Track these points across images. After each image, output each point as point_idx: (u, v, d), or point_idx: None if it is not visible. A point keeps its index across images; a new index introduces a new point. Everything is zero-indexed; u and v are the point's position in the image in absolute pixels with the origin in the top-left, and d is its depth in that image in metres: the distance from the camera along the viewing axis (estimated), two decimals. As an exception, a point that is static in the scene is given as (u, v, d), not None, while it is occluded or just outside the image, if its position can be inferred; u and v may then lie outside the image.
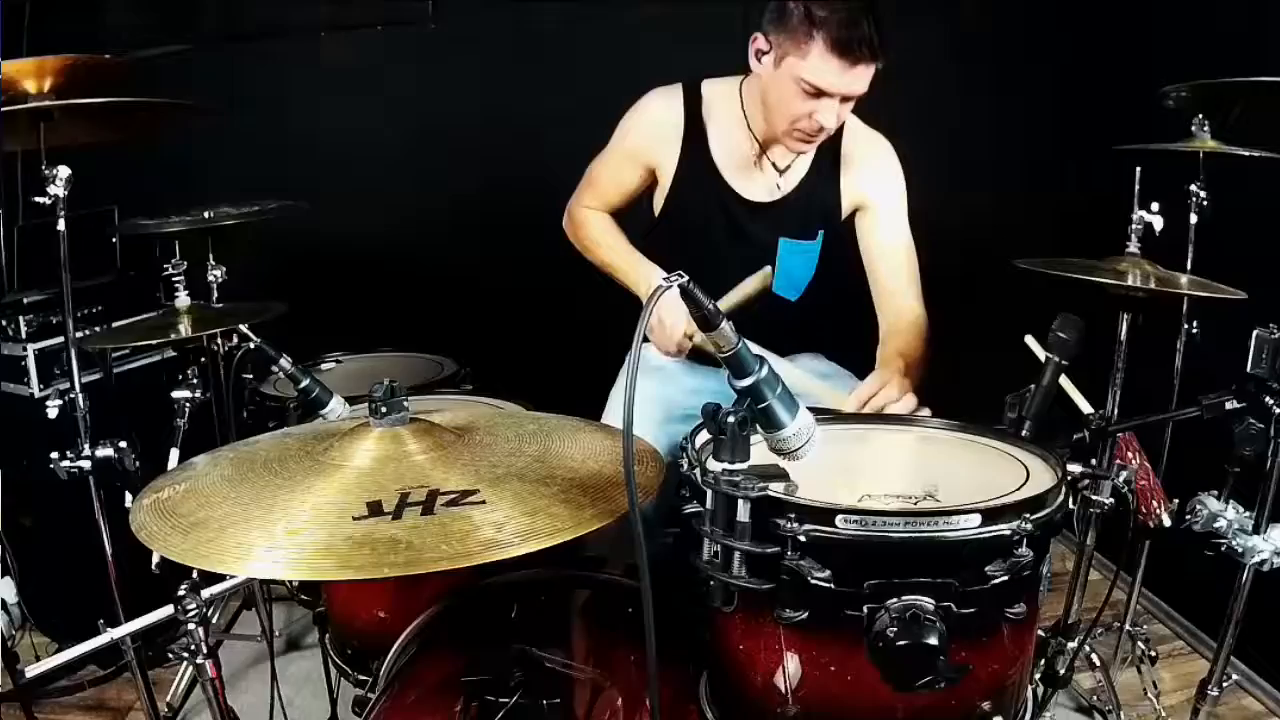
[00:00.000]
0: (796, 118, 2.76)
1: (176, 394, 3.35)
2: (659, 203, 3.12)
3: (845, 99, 2.73)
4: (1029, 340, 2.41)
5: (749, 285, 2.72)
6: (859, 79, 2.67)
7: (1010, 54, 4.51)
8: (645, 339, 2.78)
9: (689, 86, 3.04)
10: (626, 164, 3.11)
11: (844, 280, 3.17)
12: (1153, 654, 3.41)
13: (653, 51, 4.30)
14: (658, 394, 2.93)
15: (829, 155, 3.02)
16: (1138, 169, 2.83)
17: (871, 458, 2.18)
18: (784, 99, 2.75)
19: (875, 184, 3.04)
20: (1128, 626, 3.45)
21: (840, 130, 2.94)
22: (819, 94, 2.69)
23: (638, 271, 2.94)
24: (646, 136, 3.07)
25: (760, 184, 3.04)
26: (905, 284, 3.03)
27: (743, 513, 1.57)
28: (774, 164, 3.02)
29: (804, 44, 2.63)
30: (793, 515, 1.59)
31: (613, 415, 2.92)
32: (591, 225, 3.12)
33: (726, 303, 2.62)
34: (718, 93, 3.03)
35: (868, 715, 1.66)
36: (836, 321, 3.25)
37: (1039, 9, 4.45)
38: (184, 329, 2.97)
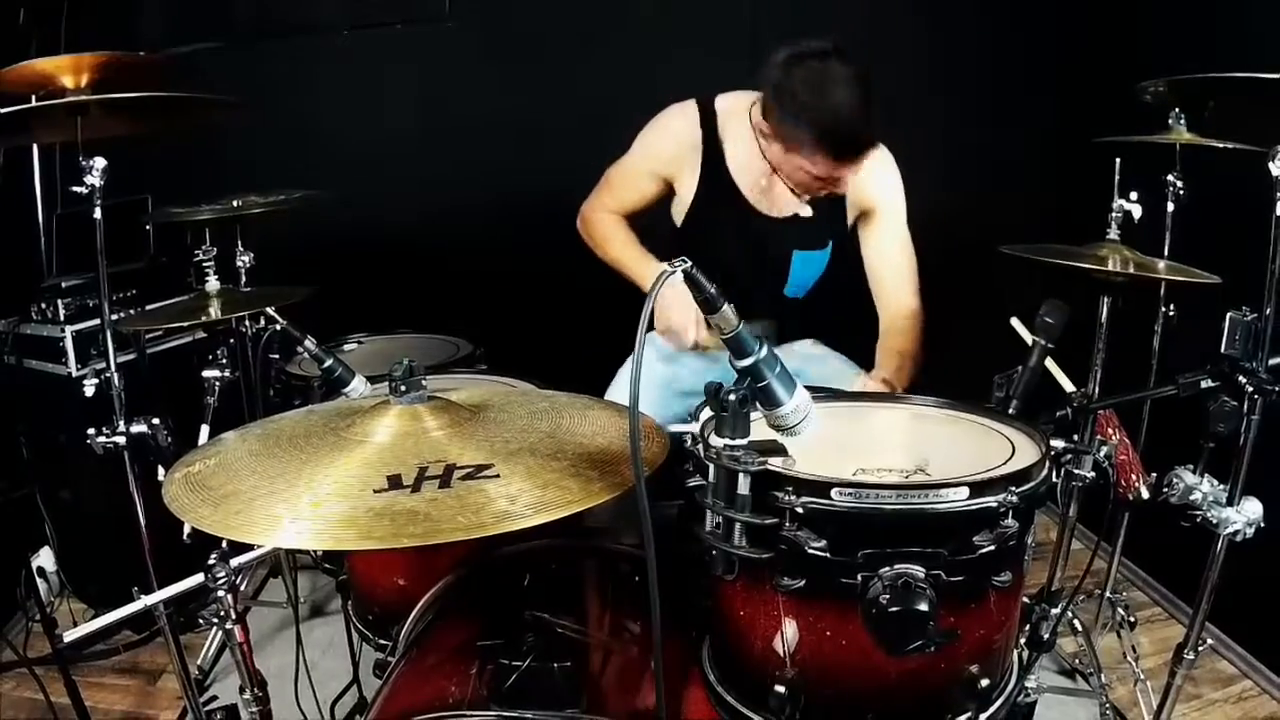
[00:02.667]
0: (808, 186, 2.76)
1: (207, 373, 3.37)
2: (679, 215, 3.11)
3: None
4: (1015, 323, 2.41)
5: None
6: (859, 162, 2.66)
7: (999, 52, 4.50)
8: (651, 327, 2.81)
9: (703, 103, 3.01)
10: (644, 176, 3.09)
11: (843, 277, 3.18)
12: (1132, 619, 3.42)
13: (663, 52, 4.30)
14: (661, 372, 2.93)
15: None
16: (1117, 160, 2.83)
17: (866, 434, 2.17)
18: (793, 173, 2.73)
19: (877, 192, 3.03)
20: (1108, 594, 3.46)
21: None
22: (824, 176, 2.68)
23: (645, 266, 2.94)
24: (665, 152, 3.05)
25: (777, 202, 3.01)
26: (903, 282, 3.04)
27: (743, 486, 1.57)
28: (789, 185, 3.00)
29: (803, 148, 2.61)
30: (791, 488, 1.58)
31: (617, 390, 2.91)
32: (603, 224, 3.10)
33: None
34: (731, 109, 2.98)
35: (862, 678, 1.66)
36: (834, 312, 3.24)
37: (1025, 11, 4.43)
38: (214, 312, 2.97)
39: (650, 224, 3.16)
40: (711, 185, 3.00)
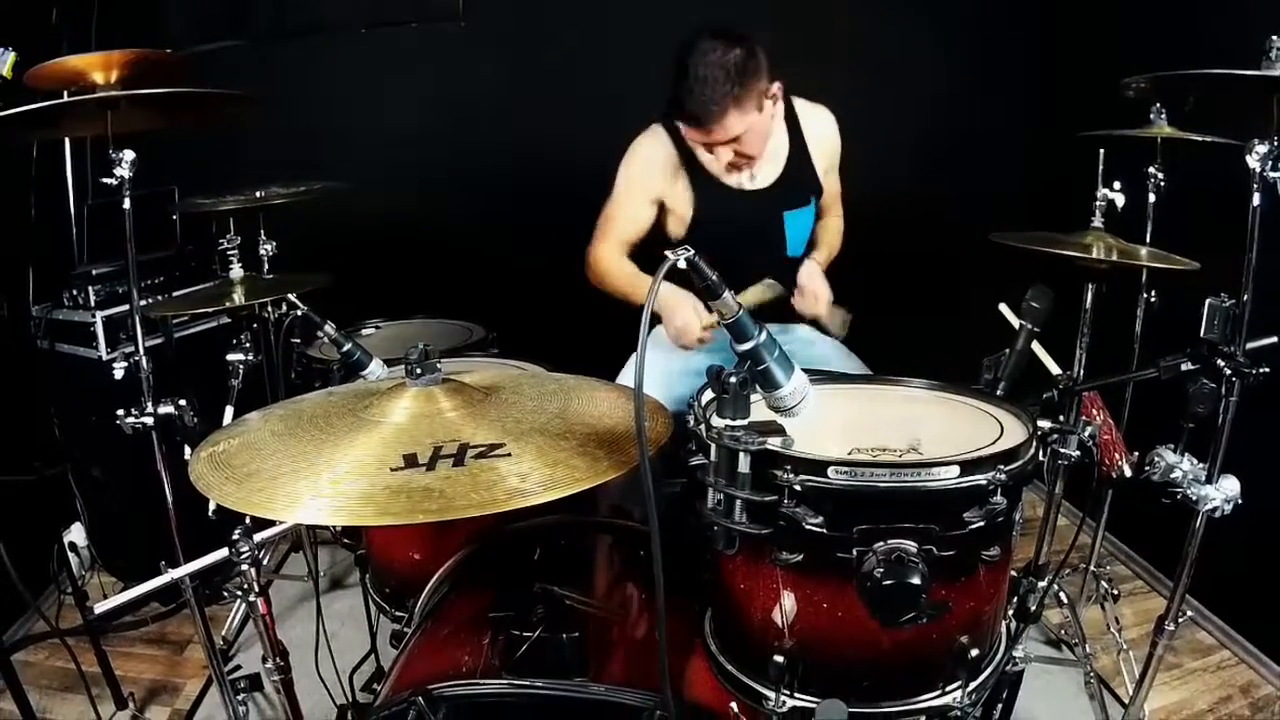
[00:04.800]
0: (725, 158, 2.88)
1: (231, 357, 3.38)
2: (678, 227, 3.13)
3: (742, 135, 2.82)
4: (1003, 308, 2.40)
5: (753, 294, 2.78)
6: (720, 124, 2.76)
7: (992, 51, 4.48)
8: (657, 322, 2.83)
9: (667, 124, 3.06)
10: (640, 204, 3.12)
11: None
12: (1115, 592, 3.42)
13: (668, 51, 4.29)
14: (667, 358, 2.93)
15: (798, 137, 3.10)
16: (1101, 152, 2.83)
17: (861, 414, 2.16)
18: (710, 153, 2.90)
19: (819, 142, 3.15)
20: (1092, 567, 3.46)
21: (795, 115, 3.08)
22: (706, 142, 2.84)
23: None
24: (648, 174, 3.09)
25: (756, 179, 3.07)
26: (832, 206, 3.26)
27: (743, 465, 1.57)
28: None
29: (686, 130, 2.85)
30: (789, 467, 1.58)
31: (627, 376, 2.92)
32: (606, 263, 3.14)
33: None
34: None
35: (857, 648, 1.66)
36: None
37: (1016, 10, 4.42)
38: (238, 298, 2.98)
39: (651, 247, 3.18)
40: (697, 183, 3.04)
